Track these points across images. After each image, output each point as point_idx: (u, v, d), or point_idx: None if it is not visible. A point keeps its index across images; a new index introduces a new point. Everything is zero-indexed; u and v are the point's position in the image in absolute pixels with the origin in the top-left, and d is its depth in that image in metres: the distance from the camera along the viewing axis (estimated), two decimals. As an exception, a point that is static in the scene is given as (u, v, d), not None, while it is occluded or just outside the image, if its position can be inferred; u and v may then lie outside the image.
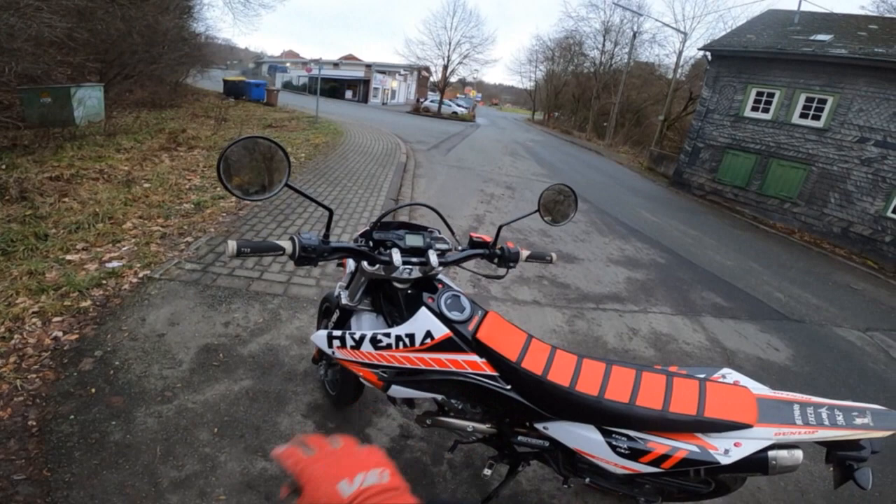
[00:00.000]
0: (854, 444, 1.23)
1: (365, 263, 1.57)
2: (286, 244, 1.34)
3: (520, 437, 1.55)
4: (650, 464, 1.29)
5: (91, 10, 8.29)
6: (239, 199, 1.39)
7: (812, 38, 12.88)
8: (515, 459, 1.67)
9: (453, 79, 36.85)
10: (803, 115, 12.22)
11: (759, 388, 1.36)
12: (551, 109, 46.68)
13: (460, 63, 33.65)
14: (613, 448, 1.32)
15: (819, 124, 11.89)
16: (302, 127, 12.68)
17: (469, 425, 1.61)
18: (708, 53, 14.67)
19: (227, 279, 3.48)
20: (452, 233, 1.82)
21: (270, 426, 2.23)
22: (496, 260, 1.77)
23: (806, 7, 15.37)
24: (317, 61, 21.13)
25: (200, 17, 20.32)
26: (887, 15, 18.03)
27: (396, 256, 1.51)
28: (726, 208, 13.36)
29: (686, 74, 27.22)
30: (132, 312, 2.92)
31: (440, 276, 1.69)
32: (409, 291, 1.62)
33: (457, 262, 1.69)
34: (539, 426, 1.47)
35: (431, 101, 36.64)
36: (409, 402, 1.73)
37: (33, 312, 2.73)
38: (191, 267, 3.58)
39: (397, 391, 1.58)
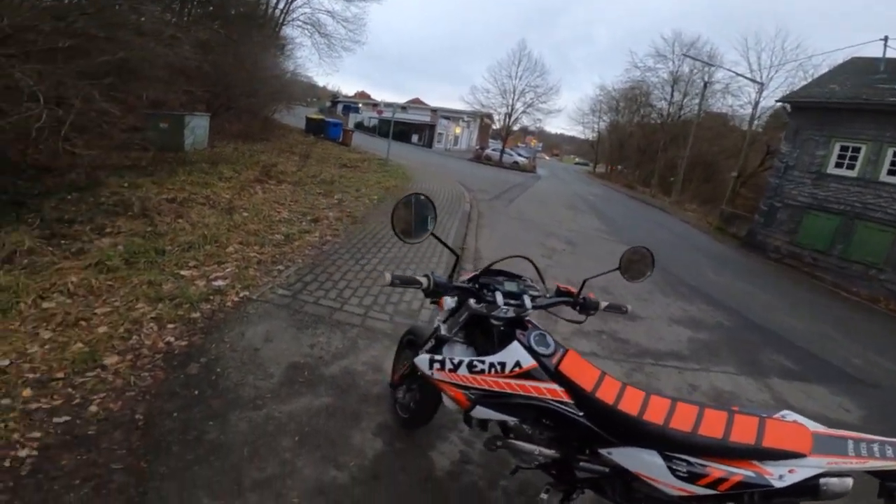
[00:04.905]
0: None
1: (472, 301, 1.81)
2: (423, 280, 1.71)
3: (582, 463, 1.70)
4: (707, 486, 1.41)
5: (212, 43, 9.45)
6: (400, 239, 1.80)
7: (899, 86, 12.06)
8: (572, 486, 1.80)
9: (515, 127, 37.60)
10: (892, 172, 11.41)
11: (816, 426, 1.47)
12: (614, 162, 46.20)
13: (524, 112, 34.33)
14: (673, 471, 1.44)
15: (911, 182, 11.06)
16: (373, 169, 13.36)
17: (536, 449, 1.76)
18: (787, 105, 14.12)
19: (313, 307, 3.78)
20: (543, 282, 2.08)
21: (344, 440, 2.40)
22: (578, 308, 2.01)
23: (891, 53, 14.41)
24: (391, 105, 22.26)
25: (292, 55, 22.81)
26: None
27: (500, 298, 1.78)
28: (804, 273, 12.57)
29: (763, 126, 26.13)
30: (233, 327, 3.26)
31: (529, 318, 1.90)
32: (502, 328, 1.84)
33: (545, 307, 1.97)
34: (603, 451, 1.61)
35: (493, 150, 37.13)
36: (483, 425, 1.95)
37: (151, 318, 3.12)
38: (282, 292, 3.93)
39: (480, 412, 1.79)
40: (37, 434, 2.06)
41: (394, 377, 2.68)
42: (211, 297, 3.54)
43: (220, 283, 3.79)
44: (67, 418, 2.18)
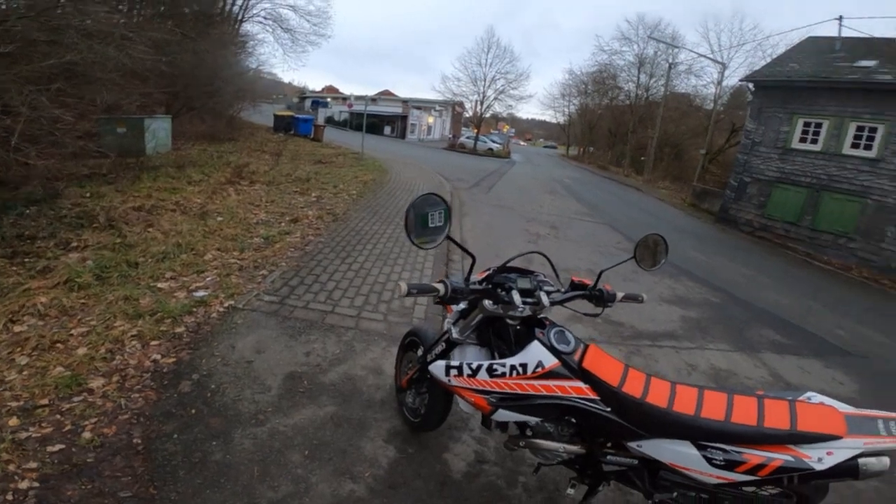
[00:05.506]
0: None
1: (487, 302, 1.71)
2: (440, 287, 1.59)
3: (609, 457, 1.68)
4: (746, 472, 1.42)
5: (166, 43, 9.02)
6: (414, 244, 1.66)
7: (856, 64, 12.57)
8: (597, 479, 1.79)
9: (487, 114, 37.65)
10: (854, 146, 11.80)
11: (844, 407, 1.50)
12: (586, 144, 46.77)
13: (495, 99, 34.42)
14: (709, 461, 1.45)
15: (871, 154, 11.48)
16: (349, 164, 13.11)
17: (560, 447, 1.72)
18: (750, 84, 14.51)
19: (304, 311, 3.62)
20: (557, 276, 1.98)
21: (355, 450, 2.30)
22: (594, 300, 1.92)
23: (846, 33, 15.14)
24: (362, 98, 21.96)
25: (254, 52, 22.05)
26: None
27: (517, 297, 1.67)
28: (778, 245, 12.93)
29: (725, 105, 26.77)
30: (222, 339, 3.07)
31: (545, 314, 1.81)
32: (518, 327, 1.76)
33: (561, 302, 1.88)
34: (632, 444, 1.59)
35: (467, 138, 37.24)
36: (502, 427, 1.88)
37: (132, 336, 2.91)
38: (269, 299, 3.75)
39: (502, 415, 1.74)
40: (33, 464, 1.94)
41: (399, 381, 2.58)
42: (194, 309, 3.34)
43: (201, 293, 3.58)
44: (62, 446, 2.05)
